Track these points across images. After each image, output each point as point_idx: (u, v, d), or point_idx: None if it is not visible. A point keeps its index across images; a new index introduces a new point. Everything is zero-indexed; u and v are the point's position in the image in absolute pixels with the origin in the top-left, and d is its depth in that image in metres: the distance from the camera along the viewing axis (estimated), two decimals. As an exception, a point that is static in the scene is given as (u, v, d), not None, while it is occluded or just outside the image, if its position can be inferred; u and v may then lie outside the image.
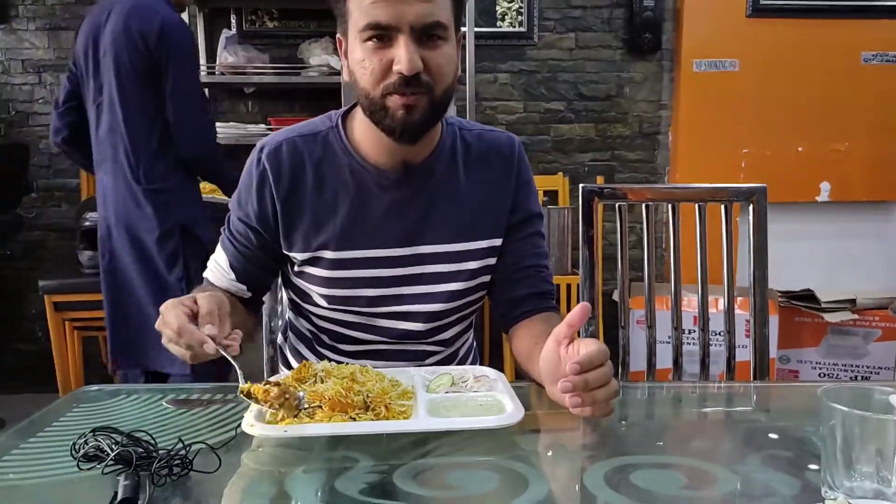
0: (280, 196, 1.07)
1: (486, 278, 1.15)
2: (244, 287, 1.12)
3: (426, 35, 0.95)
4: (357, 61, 0.98)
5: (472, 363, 1.28)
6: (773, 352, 2.95)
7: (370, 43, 0.95)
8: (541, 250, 1.18)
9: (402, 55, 0.93)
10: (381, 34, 0.94)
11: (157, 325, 0.87)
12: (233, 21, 3.15)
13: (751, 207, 1.42)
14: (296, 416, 0.82)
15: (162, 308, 0.87)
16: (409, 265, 1.10)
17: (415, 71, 0.94)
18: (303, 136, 1.10)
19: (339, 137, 1.09)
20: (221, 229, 1.15)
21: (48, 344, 2.64)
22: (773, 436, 0.86)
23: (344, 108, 1.13)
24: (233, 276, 1.11)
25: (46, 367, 2.68)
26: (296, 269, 1.12)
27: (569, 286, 2.82)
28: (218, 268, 1.12)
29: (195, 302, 0.88)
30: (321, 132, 1.10)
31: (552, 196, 3.16)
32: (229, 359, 0.85)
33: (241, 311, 1.12)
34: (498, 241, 1.13)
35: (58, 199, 3.22)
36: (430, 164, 1.09)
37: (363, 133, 1.07)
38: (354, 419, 0.82)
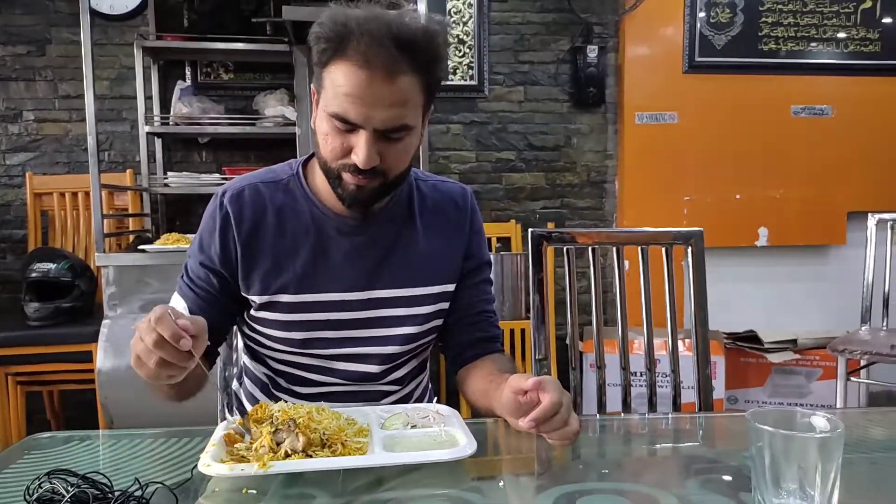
0: (241, 239, 1.09)
1: (439, 322, 1.19)
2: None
3: (388, 135, 0.98)
4: (322, 132, 1.02)
5: (428, 402, 1.31)
6: (721, 392, 3.03)
7: (336, 123, 0.98)
8: (489, 297, 1.24)
9: (361, 152, 0.97)
10: (346, 125, 0.98)
11: (141, 327, 0.83)
12: (187, 73, 3.18)
13: (690, 250, 1.49)
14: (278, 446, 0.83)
15: (152, 313, 0.83)
16: (365, 309, 1.13)
17: (369, 166, 0.98)
18: (265, 182, 1.13)
19: (300, 184, 1.13)
20: (178, 279, 1.15)
21: (-11, 400, 2.54)
22: (713, 461, 0.91)
23: (303, 157, 1.17)
24: None
25: (-14, 423, 2.57)
26: (252, 312, 1.14)
27: (523, 330, 2.87)
28: None
29: (171, 315, 0.83)
30: (282, 179, 1.14)
31: (505, 242, 3.24)
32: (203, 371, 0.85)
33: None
34: (451, 287, 1.18)
35: (2, 250, 3.15)
36: (387, 212, 1.13)
37: (323, 181, 1.10)
38: (311, 456, 0.83)
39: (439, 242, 1.17)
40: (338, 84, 0.96)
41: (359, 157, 0.97)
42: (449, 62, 3.26)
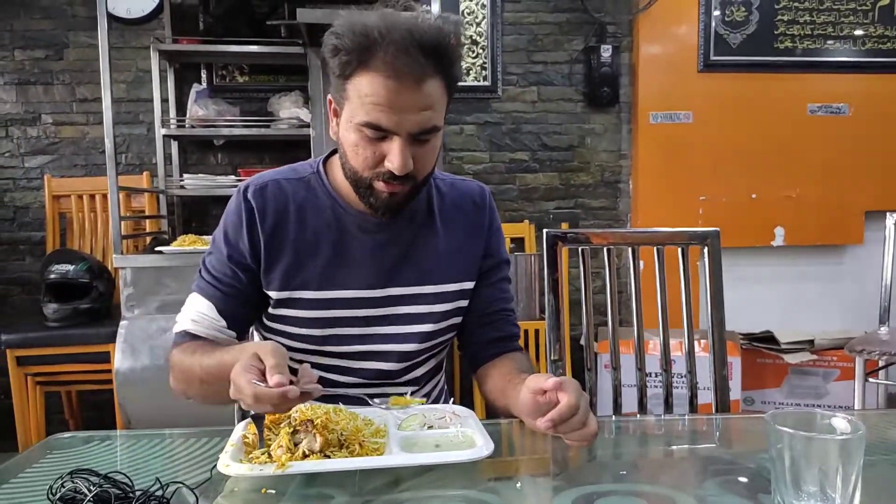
0: (265, 233, 1.10)
1: (457, 320, 1.19)
2: (234, 334, 1.11)
3: (419, 138, 0.99)
4: (350, 142, 1.02)
5: (444, 403, 1.31)
6: (738, 393, 3.01)
7: (366, 132, 0.98)
8: (507, 295, 1.24)
9: (396, 158, 0.98)
10: (378, 133, 0.98)
11: (232, 394, 0.84)
12: (203, 76, 3.21)
13: (706, 250, 1.49)
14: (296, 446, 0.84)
15: (232, 376, 0.84)
16: (384, 305, 1.13)
17: (406, 172, 0.99)
18: (287, 179, 1.14)
19: (322, 182, 1.14)
20: (197, 277, 1.13)
21: (8, 401, 2.58)
22: (731, 463, 0.90)
23: (323, 155, 1.18)
24: (223, 322, 1.09)
25: (5, 424, 2.61)
26: (270, 311, 1.14)
27: (537, 331, 2.86)
28: (204, 318, 1.09)
29: (259, 360, 0.84)
30: (304, 176, 1.15)
31: (519, 243, 3.24)
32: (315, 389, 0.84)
33: None
34: (470, 285, 1.18)
35: (21, 252, 3.19)
36: (407, 211, 1.14)
37: (344, 179, 1.10)
38: (329, 457, 0.83)
39: (458, 240, 1.17)
40: (365, 94, 0.96)
41: (394, 163, 0.98)
42: (463, 60, 3.27)
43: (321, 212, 1.12)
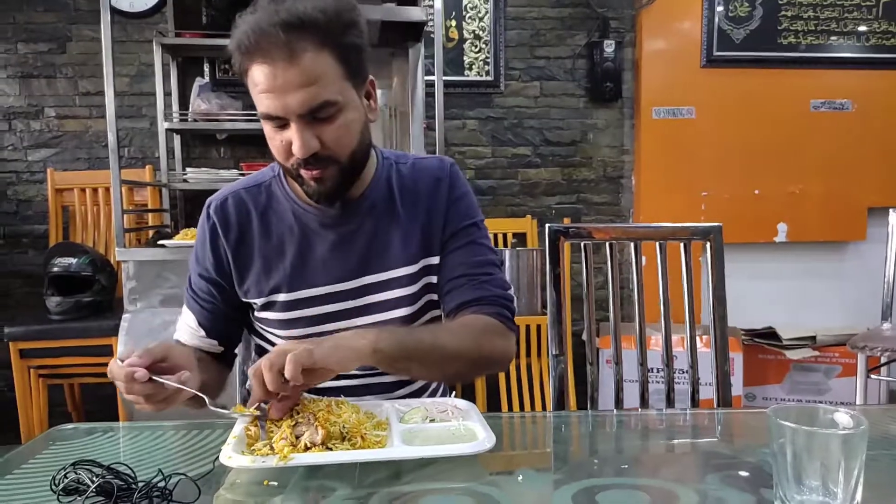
0: (230, 246, 1.13)
1: (432, 297, 1.18)
2: (215, 342, 1.16)
3: (316, 116, 0.98)
4: (268, 138, 1.03)
5: (442, 396, 1.31)
6: (739, 389, 3.01)
7: (269, 124, 1.01)
8: (472, 259, 1.16)
9: (295, 141, 0.98)
10: (276, 121, 0.99)
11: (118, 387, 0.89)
12: (206, 70, 3.21)
13: (708, 245, 1.48)
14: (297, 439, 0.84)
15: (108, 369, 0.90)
16: (359, 297, 1.13)
17: (308, 154, 0.99)
18: (247, 189, 1.16)
19: (281, 185, 1.15)
20: (184, 290, 1.19)
21: (11, 394, 2.58)
22: (732, 457, 0.90)
23: None
24: (202, 332, 1.15)
25: (8, 417, 2.62)
26: (255, 314, 1.17)
27: (539, 326, 2.86)
28: (187, 328, 1.16)
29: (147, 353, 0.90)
30: (263, 182, 1.17)
31: (521, 238, 3.24)
32: (173, 384, 0.87)
33: (214, 367, 1.15)
34: (435, 260, 1.16)
35: (24, 245, 3.19)
36: (367, 198, 1.14)
37: None
38: (331, 449, 0.84)
39: (420, 218, 1.15)
40: (254, 85, 0.98)
41: (296, 148, 0.98)
42: (464, 56, 3.26)
43: (282, 215, 1.14)
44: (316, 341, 0.91)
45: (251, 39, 0.95)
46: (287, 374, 0.84)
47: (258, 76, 0.96)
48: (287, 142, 1.00)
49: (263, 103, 0.98)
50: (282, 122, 0.99)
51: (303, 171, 1.02)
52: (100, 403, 3.00)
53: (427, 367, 1.04)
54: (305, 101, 0.96)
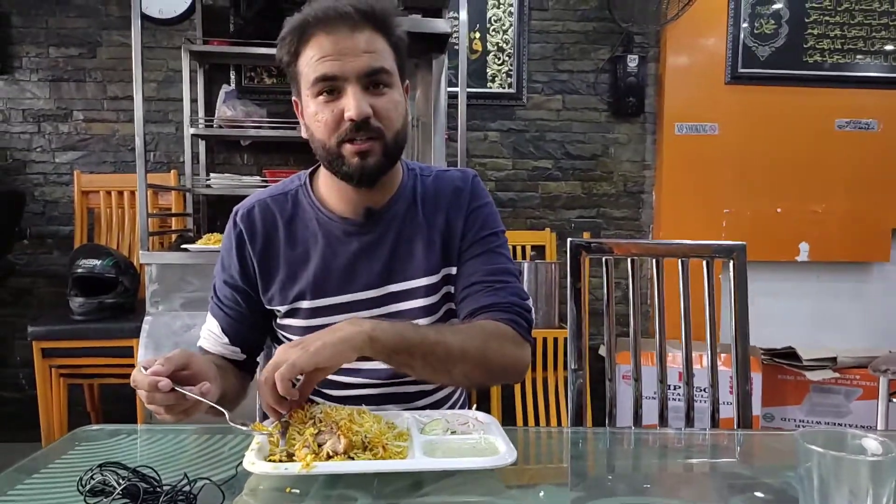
0: (256, 254, 1.14)
1: (452, 306, 1.18)
2: (238, 349, 1.17)
3: (372, 83, 1.02)
4: (311, 115, 1.05)
5: (462, 408, 1.31)
6: (758, 409, 2.98)
7: (321, 97, 1.03)
8: (488, 267, 1.15)
9: (351, 103, 1.00)
10: (331, 87, 1.02)
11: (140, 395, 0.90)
12: (232, 77, 3.25)
13: (731, 264, 1.47)
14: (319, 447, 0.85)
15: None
16: (381, 305, 1.14)
17: (364, 116, 1.01)
18: (273, 197, 1.17)
19: (307, 193, 1.17)
20: (209, 298, 1.20)
21: (32, 392, 2.62)
22: (754, 479, 0.89)
23: (311, 168, 1.20)
24: (226, 339, 1.16)
25: (29, 415, 2.65)
26: (278, 321, 1.18)
27: (556, 339, 2.85)
28: (211, 335, 1.17)
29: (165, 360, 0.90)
30: (290, 191, 1.18)
31: (540, 251, 3.23)
32: (195, 396, 0.87)
33: (236, 374, 1.16)
34: (453, 269, 1.16)
35: (49, 246, 3.24)
36: (391, 208, 1.15)
37: (327, 186, 1.14)
38: (353, 458, 0.84)
39: (440, 228, 1.16)
40: (310, 57, 1.02)
41: (351, 109, 1.00)
42: (487, 68, 3.27)
43: (308, 223, 1.15)
44: (305, 342, 0.89)
45: (319, 14, 1.01)
46: (281, 393, 0.85)
47: (319, 45, 1.01)
48: (339, 111, 1.02)
49: (320, 69, 1.01)
50: (336, 88, 1.02)
51: (349, 144, 1.03)
52: (118, 404, 3.03)
53: (431, 364, 0.99)
54: (366, 64, 1.01)
